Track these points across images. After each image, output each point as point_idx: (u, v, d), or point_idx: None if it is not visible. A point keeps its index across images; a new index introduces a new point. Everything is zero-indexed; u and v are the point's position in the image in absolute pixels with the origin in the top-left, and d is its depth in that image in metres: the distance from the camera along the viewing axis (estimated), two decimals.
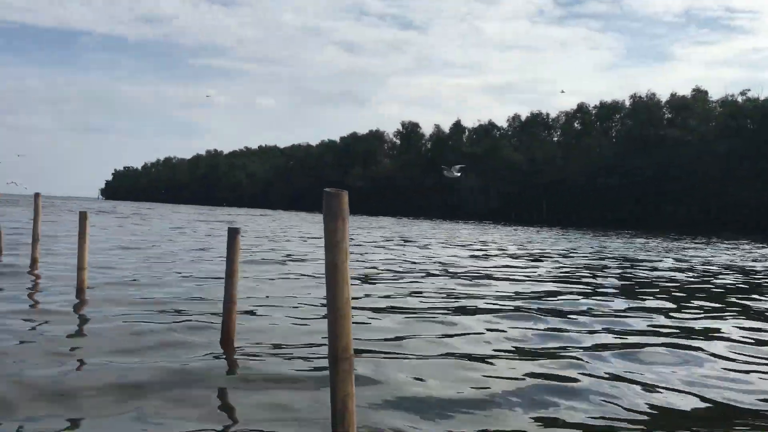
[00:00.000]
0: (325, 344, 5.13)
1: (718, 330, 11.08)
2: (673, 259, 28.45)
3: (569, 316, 12.02)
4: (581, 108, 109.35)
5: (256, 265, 18.93)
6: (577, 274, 20.32)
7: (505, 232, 54.54)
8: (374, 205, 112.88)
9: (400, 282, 16.56)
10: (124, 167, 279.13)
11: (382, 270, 19.33)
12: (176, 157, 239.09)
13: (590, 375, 7.73)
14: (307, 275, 17.26)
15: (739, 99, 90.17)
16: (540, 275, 19.45)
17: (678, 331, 10.91)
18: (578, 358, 8.55)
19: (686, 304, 14.08)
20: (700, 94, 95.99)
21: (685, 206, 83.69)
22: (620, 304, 13.83)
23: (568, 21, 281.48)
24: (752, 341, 10.20)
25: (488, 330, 10.39)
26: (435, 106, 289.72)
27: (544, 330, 10.61)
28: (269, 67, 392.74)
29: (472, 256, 26.29)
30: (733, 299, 15.34)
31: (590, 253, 31.30)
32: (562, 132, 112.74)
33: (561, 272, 20.71)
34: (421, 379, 7.30)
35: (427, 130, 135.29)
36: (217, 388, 6.77)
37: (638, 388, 7.25)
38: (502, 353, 8.83)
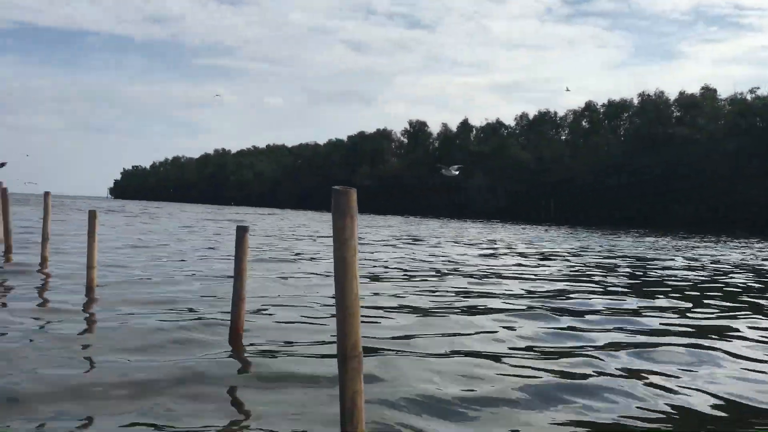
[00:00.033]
0: (334, 342, 5.15)
1: (732, 329, 11.03)
2: (684, 257, 28.34)
3: (582, 314, 11.98)
4: (589, 106, 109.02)
5: (264, 264, 18.98)
6: (588, 272, 20.27)
7: (514, 231, 54.42)
8: (382, 203, 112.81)
9: (410, 281, 16.56)
10: (133, 166, 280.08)
11: (392, 268, 19.33)
12: (184, 156, 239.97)
13: (605, 374, 7.69)
14: (316, 273, 17.29)
15: (748, 97, 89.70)
16: (551, 274, 19.41)
17: (692, 329, 10.86)
18: (592, 357, 8.52)
19: (699, 303, 14.02)
20: (708, 92, 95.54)
21: (693, 205, 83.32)
22: (632, 302, 13.78)
23: (575, 19, 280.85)
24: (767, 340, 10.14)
25: (501, 328, 10.37)
26: (442, 104, 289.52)
27: (557, 329, 10.58)
28: (276, 66, 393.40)
29: (481, 255, 26.27)
30: (746, 298, 15.28)
31: (600, 251, 31.21)
32: (570, 130, 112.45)
33: (572, 271, 20.66)
34: (432, 377, 7.29)
35: (434, 128, 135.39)
36: (225, 385, 6.79)
37: (654, 387, 7.22)
38: (515, 352, 8.82)
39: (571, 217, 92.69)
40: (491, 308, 12.37)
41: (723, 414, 6.49)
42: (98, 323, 9.76)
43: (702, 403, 6.77)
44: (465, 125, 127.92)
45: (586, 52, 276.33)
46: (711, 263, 25.57)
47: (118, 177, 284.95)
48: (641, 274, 20.43)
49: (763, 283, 18.85)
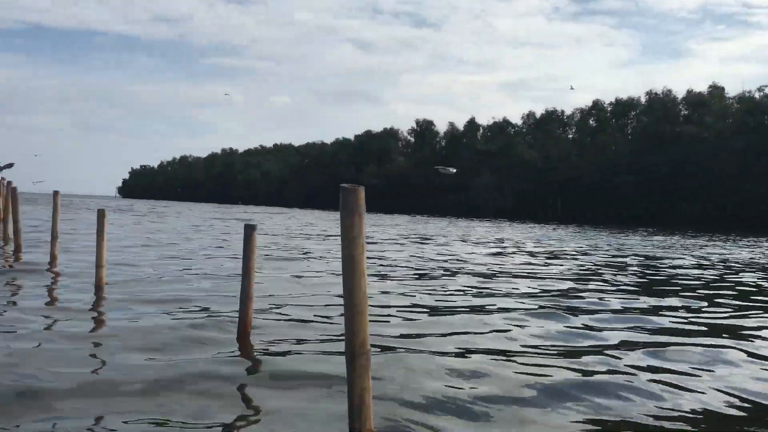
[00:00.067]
0: (342, 340, 5.17)
1: (746, 327, 10.99)
2: (694, 256, 28.26)
3: (593, 313, 11.95)
4: (596, 105, 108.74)
5: (272, 262, 19.02)
6: (597, 271, 20.23)
7: (521, 230, 54.34)
8: (389, 202, 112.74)
9: (419, 279, 16.58)
10: (141, 166, 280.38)
11: (400, 267, 19.34)
12: (192, 156, 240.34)
13: (619, 372, 7.66)
14: (324, 272, 17.33)
15: (757, 95, 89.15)
16: (560, 273, 19.37)
17: (705, 328, 10.84)
18: (605, 356, 8.50)
19: (711, 302, 13.97)
20: (716, 90, 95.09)
21: (701, 203, 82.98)
22: (644, 301, 13.74)
23: (582, 17, 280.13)
24: None
25: (512, 327, 10.35)
26: (449, 103, 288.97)
27: (569, 327, 10.55)
28: (283, 66, 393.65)
29: (490, 254, 26.25)
30: (759, 297, 15.22)
31: (609, 250, 31.15)
32: (577, 129, 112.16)
33: (581, 269, 20.62)
34: (442, 376, 7.29)
35: (441, 127, 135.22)
36: (234, 384, 6.81)
37: (670, 386, 7.19)
38: (527, 350, 8.80)
39: (579, 215, 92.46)
40: (501, 307, 12.34)
41: (740, 413, 6.45)
42: (107, 322, 9.81)
43: (718, 403, 6.73)
44: (472, 124, 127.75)
45: (593, 50, 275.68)
46: (721, 262, 25.50)
47: (126, 176, 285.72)
48: (651, 272, 20.38)
49: None
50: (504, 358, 8.29)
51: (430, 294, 13.90)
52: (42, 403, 5.98)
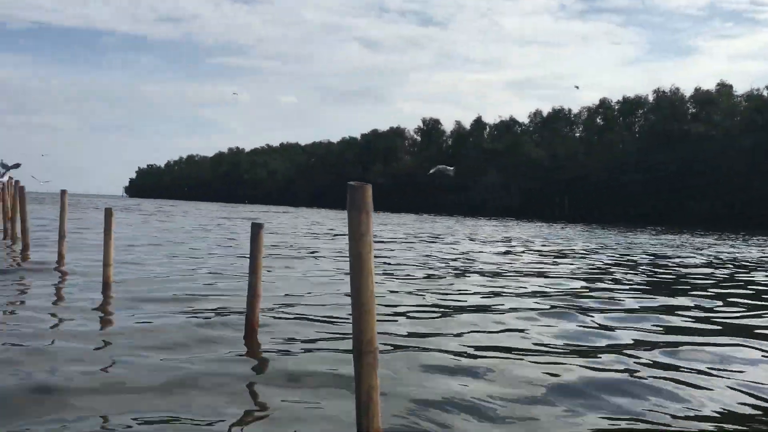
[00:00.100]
0: (350, 338, 5.14)
1: (760, 327, 10.91)
2: (704, 255, 28.13)
3: (606, 312, 11.87)
4: (603, 103, 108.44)
5: (279, 261, 19.03)
6: (609, 270, 20.15)
7: (529, 229, 54.23)
8: (395, 201, 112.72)
9: (428, 278, 16.53)
10: (148, 165, 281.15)
11: (409, 266, 19.30)
12: (198, 155, 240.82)
13: (635, 372, 7.59)
14: (331, 270, 17.32)
15: (765, 93, 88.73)
16: (571, 272, 19.28)
17: (719, 327, 10.78)
18: (620, 355, 8.44)
19: (724, 301, 13.88)
20: (724, 88, 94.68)
21: (709, 201, 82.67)
22: (656, 300, 13.66)
23: (589, 15, 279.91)
24: None
25: (524, 326, 10.29)
26: (455, 102, 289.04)
27: (582, 327, 10.46)
28: (290, 65, 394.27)
29: (499, 253, 26.18)
30: None
31: (618, 249, 31.04)
32: (585, 127, 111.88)
33: (592, 268, 20.53)
34: (453, 375, 7.24)
35: (447, 126, 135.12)
36: (240, 382, 6.80)
37: (686, 386, 7.13)
38: (540, 350, 8.74)
39: (586, 214, 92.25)
40: (512, 306, 12.26)
41: (757, 413, 6.39)
42: (115, 320, 9.82)
43: (735, 402, 6.68)
44: (478, 123, 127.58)
45: (600, 48, 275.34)
46: (732, 260, 25.38)
47: (133, 176, 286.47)
48: (662, 271, 20.29)
49: None
50: (516, 357, 8.24)
51: (439, 293, 13.86)
52: (53, 402, 5.98)
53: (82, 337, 8.51)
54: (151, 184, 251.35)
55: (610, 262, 23.32)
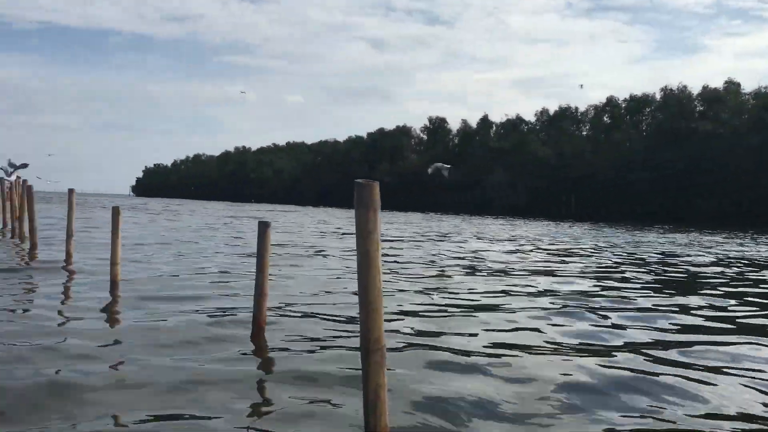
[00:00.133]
0: (357, 336, 5.14)
1: None
2: (714, 253, 27.97)
3: (618, 311, 11.78)
4: (610, 101, 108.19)
5: (286, 259, 19.04)
6: (619, 269, 20.05)
7: (537, 227, 54.13)
8: (401, 200, 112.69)
9: (438, 277, 16.47)
10: (155, 164, 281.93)
11: (418, 265, 19.26)
12: (205, 154, 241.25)
13: (649, 372, 7.50)
14: (338, 269, 17.33)
15: None
16: (581, 271, 19.17)
17: (733, 326, 10.72)
18: (634, 354, 8.38)
19: (736, 300, 13.78)
20: (732, 86, 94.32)
21: (716, 199, 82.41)
22: (668, 299, 13.56)
23: (595, 14, 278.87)
24: None
25: (536, 325, 10.22)
26: (462, 101, 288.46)
27: (595, 326, 10.38)
28: (296, 64, 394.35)
29: (508, 251, 26.07)
30: None
31: (627, 247, 30.92)
32: (591, 126, 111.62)
33: (602, 267, 20.43)
34: (463, 375, 7.21)
35: (454, 125, 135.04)
36: (247, 381, 6.80)
37: (702, 385, 7.07)
38: (552, 349, 8.69)
39: (593, 212, 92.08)
40: (524, 305, 12.20)
41: None
42: (122, 319, 9.83)
43: (750, 401, 6.63)
44: (485, 121, 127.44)
45: (606, 46, 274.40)
46: (742, 259, 25.26)
47: (140, 175, 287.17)
48: (672, 270, 20.19)
49: None
50: (527, 355, 8.19)
51: (448, 291, 13.83)
52: (62, 400, 5.99)
53: (90, 336, 8.52)
54: (158, 183, 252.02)
55: (619, 260, 23.23)
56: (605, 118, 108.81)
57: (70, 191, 16.93)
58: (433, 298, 12.80)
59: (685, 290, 15.25)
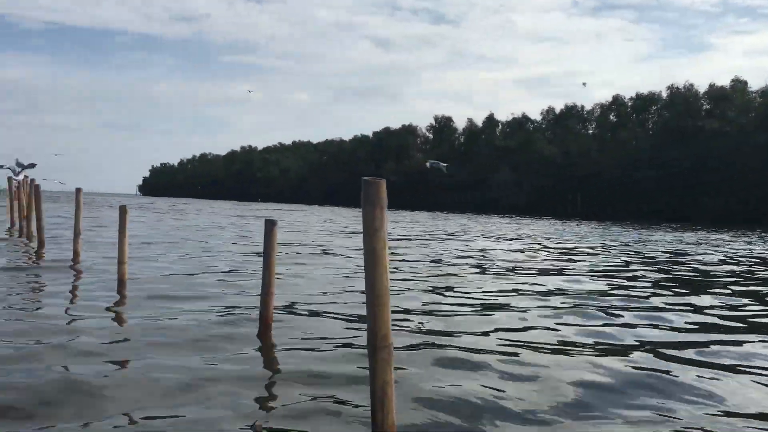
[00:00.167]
0: (364, 334, 5.14)
1: None
2: (723, 252, 27.80)
3: (631, 310, 11.71)
4: (617, 100, 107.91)
5: (293, 258, 19.07)
6: (629, 267, 19.95)
7: (543, 226, 54.03)
8: (407, 199, 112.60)
9: (447, 276, 16.41)
10: (161, 164, 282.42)
11: (427, 264, 19.24)
12: (211, 154, 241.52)
13: (666, 372, 7.43)
14: (345, 267, 17.34)
15: None
16: (590, 269, 19.08)
17: (746, 325, 10.68)
18: (649, 354, 8.33)
19: (750, 299, 13.70)
20: (739, 84, 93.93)
21: (723, 197, 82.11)
22: (680, 298, 13.48)
23: (601, 12, 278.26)
24: None
25: (547, 325, 10.16)
26: (468, 100, 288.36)
27: (608, 325, 10.29)
28: (302, 63, 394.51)
29: (516, 250, 25.99)
30: None
31: (636, 246, 30.77)
32: (598, 124, 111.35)
33: (611, 266, 20.32)
34: (471, 373, 7.20)
35: (459, 124, 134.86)
36: (255, 379, 6.81)
37: (719, 385, 7.03)
38: (565, 348, 8.63)
39: (599, 211, 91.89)
40: (533, 304, 12.14)
41: None
42: (130, 318, 9.83)
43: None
44: (490, 120, 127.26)
45: (613, 45, 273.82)
46: (751, 257, 25.15)
47: (147, 174, 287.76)
48: (682, 269, 20.08)
49: None
50: (537, 354, 8.15)
51: (456, 290, 13.81)
52: (70, 398, 6.00)
53: (99, 334, 8.54)
54: (164, 182, 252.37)
55: (628, 259, 23.14)
56: (611, 117, 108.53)
57: (78, 190, 16.98)
58: (441, 297, 12.79)
59: (696, 289, 15.18)
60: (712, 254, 26.37)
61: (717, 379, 7.24)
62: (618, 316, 11.19)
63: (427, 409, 5.94)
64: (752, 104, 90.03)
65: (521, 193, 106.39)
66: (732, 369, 7.76)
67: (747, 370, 7.77)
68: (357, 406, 5.85)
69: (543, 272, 17.90)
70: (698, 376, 7.33)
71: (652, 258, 23.94)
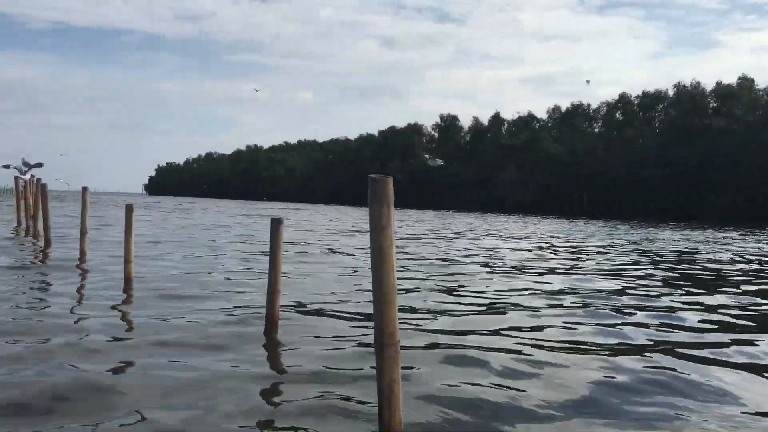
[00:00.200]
0: (371, 333, 5.12)
1: None
2: (733, 251, 27.58)
3: (644, 310, 11.59)
4: (623, 98, 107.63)
5: (299, 257, 19.07)
6: (639, 266, 19.81)
7: (550, 225, 53.90)
8: (413, 198, 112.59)
9: (455, 275, 16.36)
10: (167, 163, 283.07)
11: (435, 263, 19.20)
12: (217, 153, 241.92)
13: (679, 372, 7.35)
14: (351, 265, 17.35)
15: None
16: (601, 268, 18.93)
17: (761, 324, 10.60)
18: (662, 354, 8.26)
19: (764, 298, 13.60)
20: (746, 82, 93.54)
21: (730, 195, 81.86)
22: (693, 297, 13.38)
23: (608, 10, 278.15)
24: None
25: (558, 324, 10.07)
26: (473, 98, 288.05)
27: (621, 325, 10.18)
28: (307, 62, 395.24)
29: (524, 249, 25.87)
30: None
31: (645, 245, 30.61)
32: (604, 123, 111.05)
33: (621, 265, 20.18)
34: (481, 372, 7.16)
35: (465, 122, 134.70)
36: (261, 377, 6.80)
37: (734, 384, 6.97)
38: (577, 348, 8.55)
39: (605, 210, 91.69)
40: (545, 303, 12.07)
41: None
42: (136, 317, 9.83)
43: None
44: (496, 119, 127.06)
45: (619, 43, 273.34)
46: (761, 256, 25.00)
47: (153, 173, 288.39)
48: (694, 267, 19.94)
49: None
50: (548, 353, 8.09)
51: (465, 289, 13.76)
52: (77, 398, 5.99)
53: (105, 333, 8.55)
54: (170, 181, 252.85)
55: (637, 258, 23.00)
56: (618, 115, 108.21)
57: (84, 189, 17.03)
58: (450, 296, 12.76)
59: (707, 287, 15.08)
60: (722, 252, 26.23)
61: (731, 379, 7.18)
62: (630, 315, 11.11)
63: (435, 408, 5.92)
64: (759, 102, 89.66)
65: (527, 192, 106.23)
66: (747, 368, 7.69)
67: (762, 369, 7.70)
68: (364, 404, 5.84)
69: (552, 271, 17.82)
70: (713, 375, 7.27)
71: (662, 256, 23.82)
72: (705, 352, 8.44)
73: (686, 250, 27.76)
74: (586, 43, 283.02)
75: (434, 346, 8.32)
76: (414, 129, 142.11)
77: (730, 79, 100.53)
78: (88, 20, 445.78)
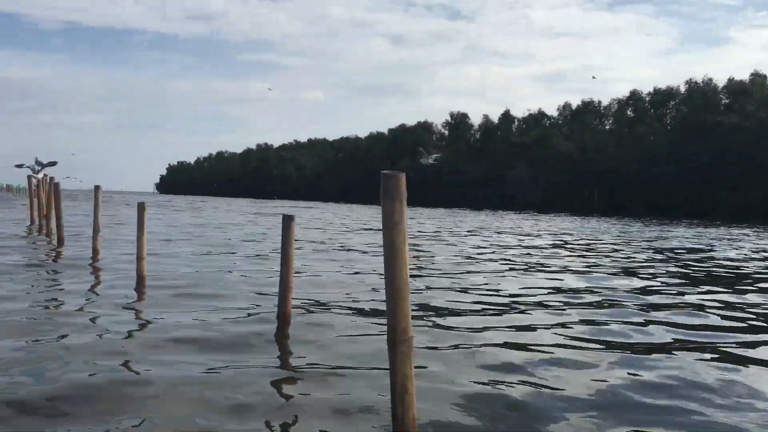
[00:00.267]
0: (384, 329, 5.11)
1: None
2: (751, 249, 27.27)
3: (666, 309, 11.46)
4: (634, 95, 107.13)
5: (311, 254, 19.10)
6: (656, 264, 19.58)
7: (562, 222, 53.64)
8: (422, 195, 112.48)
9: (469, 273, 16.28)
10: (178, 162, 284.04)
11: (449, 260, 19.15)
12: (227, 152, 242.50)
13: (697, 373, 7.22)
14: (363, 262, 17.36)
15: None
16: (617, 266, 18.73)
17: None
18: (693, 353, 8.17)
19: None
20: (758, 78, 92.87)
21: (742, 191, 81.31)
22: (715, 295, 13.21)
23: (618, 7, 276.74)
24: None
25: (575, 324, 9.95)
26: (483, 96, 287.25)
27: (643, 324, 10.05)
28: (317, 60, 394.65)
29: (537, 247, 25.67)
30: None
31: (660, 242, 30.41)
32: (615, 120, 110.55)
33: (638, 263, 20.00)
34: (493, 371, 7.12)
35: (475, 120, 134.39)
36: (274, 374, 6.82)
37: (752, 387, 6.86)
38: (591, 348, 8.46)
39: (617, 207, 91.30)
40: (561, 301, 11.99)
41: None
42: (149, 315, 9.84)
43: None
44: (506, 116, 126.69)
45: (630, 40, 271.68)
46: None
47: (164, 172, 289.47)
48: (712, 265, 19.70)
49: None
50: (566, 352, 8.03)
51: (480, 287, 13.69)
52: (91, 397, 6.01)
53: (118, 331, 8.57)
54: (181, 180, 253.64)
55: (653, 255, 22.76)
56: (629, 112, 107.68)
57: (96, 188, 17.09)
58: (465, 294, 12.71)
59: (729, 285, 14.91)
60: (737, 250, 26.00)
61: (760, 377, 7.08)
62: (651, 312, 11.00)
63: (450, 405, 5.91)
64: None
65: (537, 189, 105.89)
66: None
67: None
68: (377, 401, 5.83)
69: (568, 269, 17.67)
70: (740, 374, 7.18)
71: (678, 254, 23.58)
72: (731, 350, 8.35)
73: (701, 247, 27.51)
74: (597, 40, 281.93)
75: (449, 343, 8.31)
76: (424, 127, 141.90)
77: (742, 75, 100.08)
78: (99, 20, 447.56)
